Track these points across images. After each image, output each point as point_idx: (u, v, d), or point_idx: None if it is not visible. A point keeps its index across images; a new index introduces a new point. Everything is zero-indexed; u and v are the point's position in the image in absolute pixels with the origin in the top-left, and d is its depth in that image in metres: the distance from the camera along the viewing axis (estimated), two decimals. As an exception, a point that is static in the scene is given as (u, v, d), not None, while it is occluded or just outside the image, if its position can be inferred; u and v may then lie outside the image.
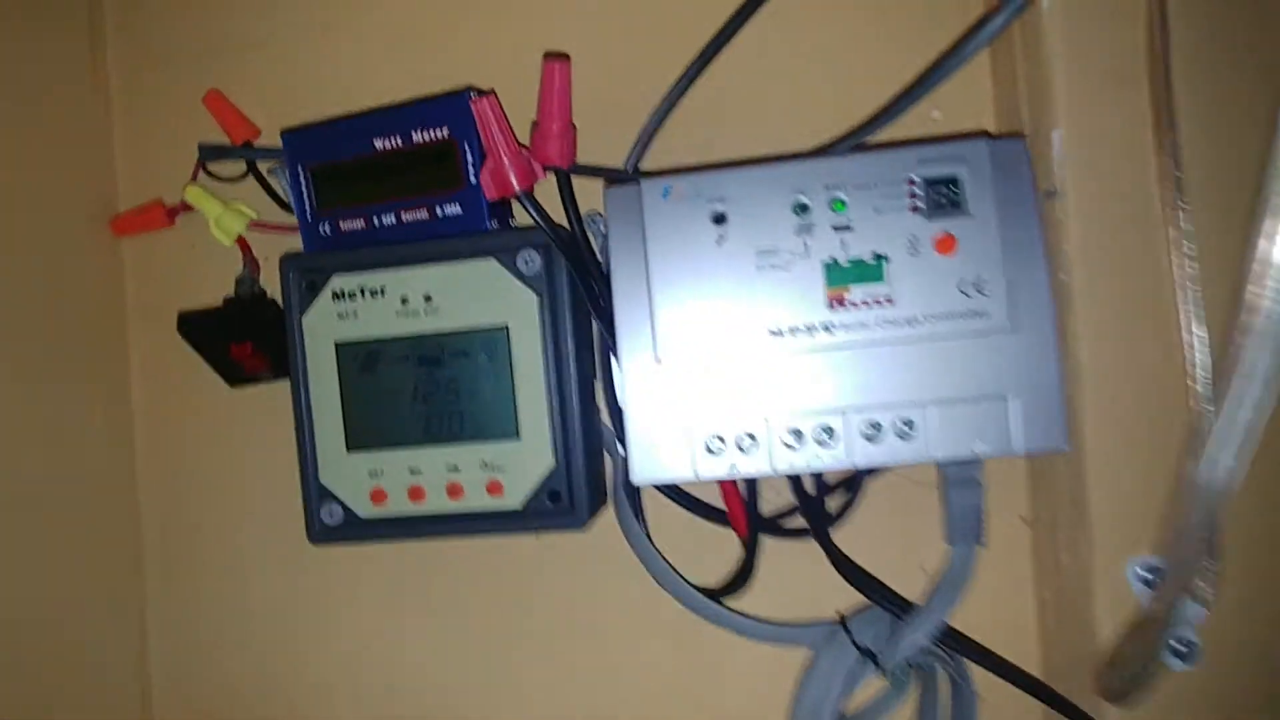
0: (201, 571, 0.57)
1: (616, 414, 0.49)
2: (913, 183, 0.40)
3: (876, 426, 0.40)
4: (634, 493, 0.48)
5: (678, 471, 0.41)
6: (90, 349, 0.54)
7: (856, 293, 0.40)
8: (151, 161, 0.56)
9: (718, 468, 0.41)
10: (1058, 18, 0.43)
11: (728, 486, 0.45)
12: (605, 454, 0.50)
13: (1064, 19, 0.43)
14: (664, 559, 0.47)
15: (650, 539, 0.47)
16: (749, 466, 0.41)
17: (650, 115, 0.46)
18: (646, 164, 0.48)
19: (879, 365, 0.40)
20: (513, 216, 0.50)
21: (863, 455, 0.40)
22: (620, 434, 0.49)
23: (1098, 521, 0.42)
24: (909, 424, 0.40)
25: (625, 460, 0.47)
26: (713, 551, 0.50)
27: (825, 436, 0.40)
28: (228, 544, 0.56)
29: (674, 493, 0.49)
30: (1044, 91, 0.43)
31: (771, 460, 0.40)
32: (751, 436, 0.40)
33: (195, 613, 0.57)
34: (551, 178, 0.45)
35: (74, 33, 0.55)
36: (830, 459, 0.40)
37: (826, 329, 0.40)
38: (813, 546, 0.47)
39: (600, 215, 0.49)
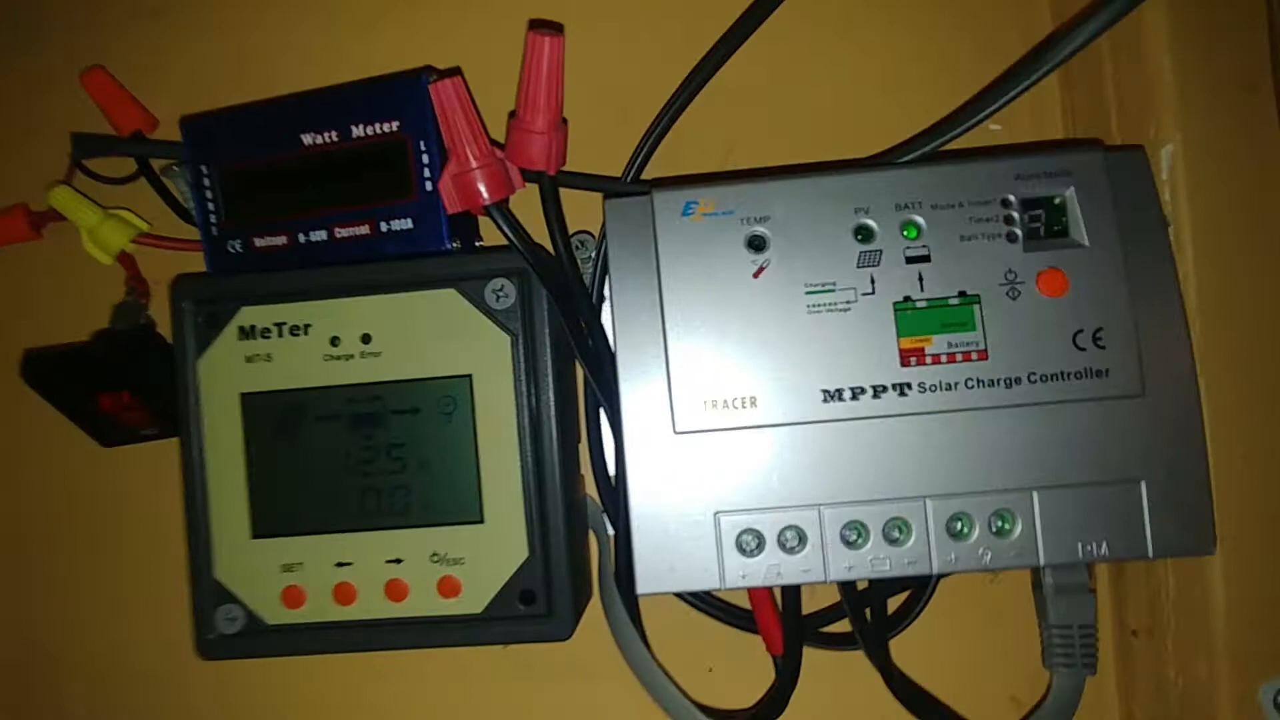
0: (51, 692, 0.43)
1: (605, 483, 0.39)
2: (1007, 203, 0.31)
3: (964, 520, 0.30)
4: (630, 586, 0.37)
5: (699, 578, 0.31)
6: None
7: (938, 344, 0.30)
8: (14, 155, 0.44)
9: (753, 574, 0.31)
10: (1164, 13, 0.35)
11: (757, 592, 0.35)
12: (590, 532, 0.40)
13: (1171, 14, 0.35)
14: (666, 675, 0.36)
15: (649, 647, 0.37)
16: (795, 573, 0.30)
17: (661, 112, 0.36)
18: (649, 174, 0.38)
19: (968, 439, 0.30)
20: (479, 236, 0.39)
21: (946, 559, 0.30)
22: (612, 509, 0.38)
23: (1225, 634, 0.33)
24: (1007, 517, 0.30)
25: (618, 541, 0.37)
26: (729, 656, 0.40)
27: (897, 533, 0.30)
28: (89, 657, 0.43)
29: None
30: (1147, 99, 0.35)
31: (825, 565, 0.30)
32: (799, 533, 0.30)
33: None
34: (532, 188, 0.35)
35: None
36: (903, 563, 0.30)
37: (899, 391, 0.30)
38: (861, 658, 0.37)
39: (590, 236, 0.39)
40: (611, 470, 0.39)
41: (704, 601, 0.39)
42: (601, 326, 0.37)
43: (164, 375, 0.37)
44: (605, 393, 0.36)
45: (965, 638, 0.38)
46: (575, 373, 0.39)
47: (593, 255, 0.38)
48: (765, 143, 0.39)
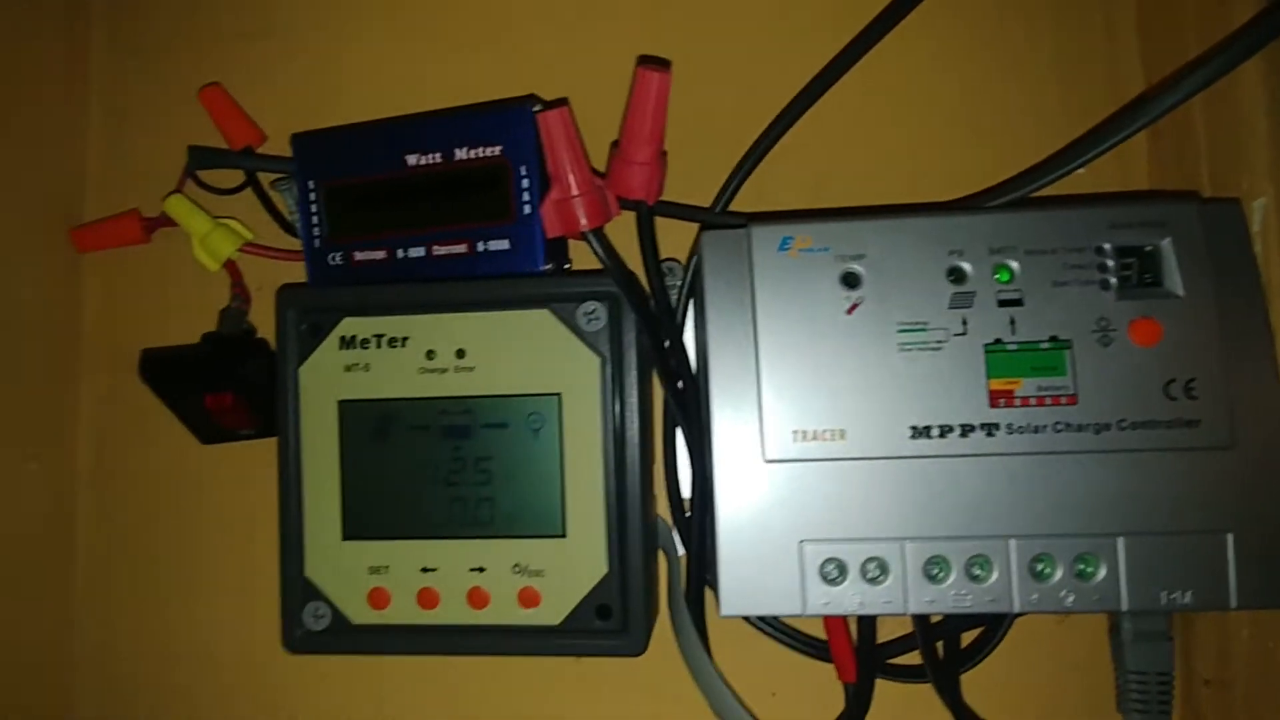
0: (146, 680, 0.45)
1: (678, 503, 0.40)
2: (1101, 251, 0.31)
3: (1047, 562, 0.31)
4: (699, 609, 0.38)
5: (781, 603, 0.32)
6: (28, 390, 0.44)
7: (1028, 386, 0.31)
8: (130, 163, 0.47)
9: (835, 603, 0.31)
10: (1259, 68, 0.35)
11: (834, 620, 0.35)
12: (660, 551, 0.40)
13: (1267, 68, 0.35)
14: (735, 695, 0.37)
15: (718, 670, 0.37)
16: (877, 604, 0.31)
17: (755, 144, 0.37)
18: (738, 205, 0.39)
19: (1054, 482, 0.31)
20: (569, 260, 0.41)
21: (1028, 598, 0.31)
22: (684, 530, 0.39)
23: (1303, 691, 0.33)
24: (1090, 561, 0.30)
25: (690, 561, 0.38)
26: (793, 682, 0.40)
27: (979, 570, 0.31)
28: (182, 647, 0.45)
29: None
30: (1240, 152, 0.35)
31: (906, 597, 0.31)
32: (881, 564, 0.31)
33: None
34: (624, 217, 0.37)
35: (49, 5, 0.46)
36: (985, 600, 0.31)
37: (987, 431, 0.31)
38: (927, 692, 0.37)
39: (677, 263, 0.40)
40: (685, 492, 0.40)
41: (772, 626, 0.39)
42: (685, 352, 0.38)
43: (266, 379, 0.39)
44: (685, 416, 0.37)
45: (1035, 678, 0.38)
46: (653, 395, 0.41)
47: (679, 283, 0.39)
48: (854, 180, 0.40)
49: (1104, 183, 0.41)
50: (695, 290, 0.37)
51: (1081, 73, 0.41)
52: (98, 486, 0.46)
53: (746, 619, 0.39)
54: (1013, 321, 0.31)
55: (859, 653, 0.35)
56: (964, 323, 0.31)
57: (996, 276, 0.31)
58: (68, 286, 0.46)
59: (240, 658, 0.44)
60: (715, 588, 0.37)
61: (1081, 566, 0.30)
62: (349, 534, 0.38)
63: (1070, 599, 0.30)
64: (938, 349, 0.31)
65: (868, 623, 0.34)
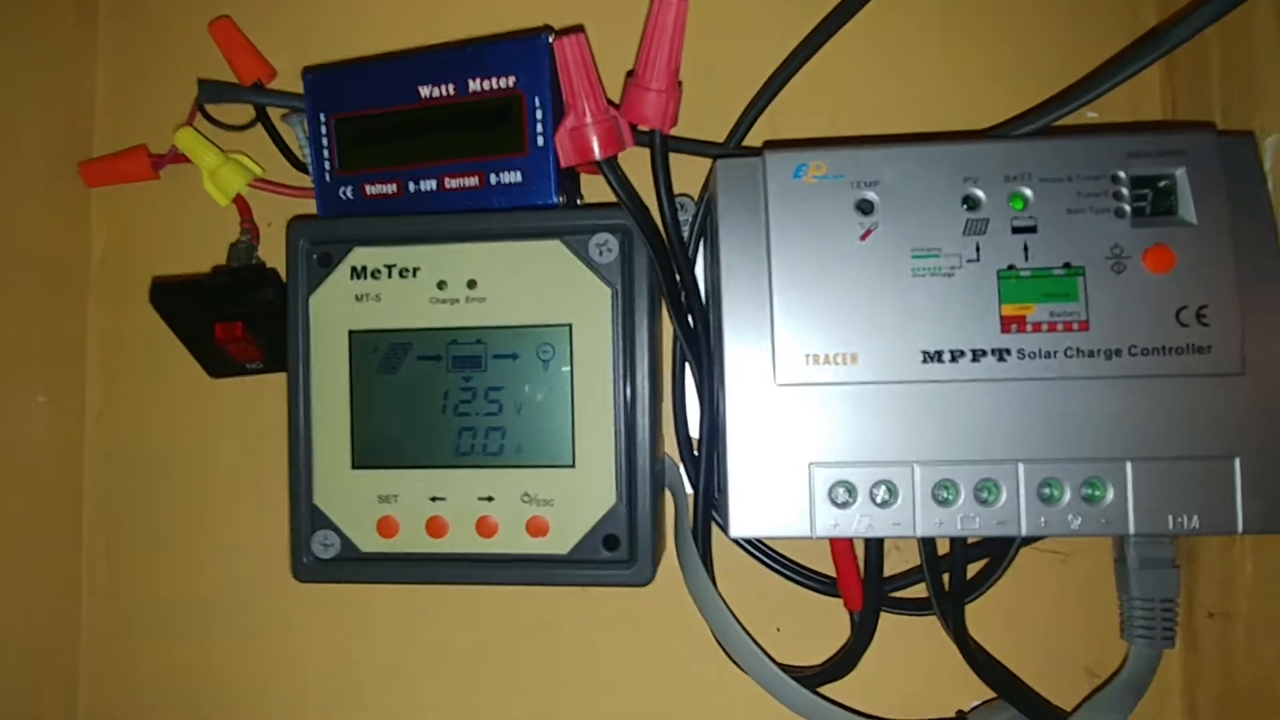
0: (154, 608, 0.45)
1: (686, 442, 0.40)
2: (1117, 179, 0.31)
3: (1055, 486, 0.31)
4: (706, 543, 0.39)
5: (790, 525, 0.32)
6: (36, 324, 0.44)
7: (1040, 312, 0.31)
8: (138, 98, 0.46)
9: (843, 524, 0.31)
10: (1275, 5, 0.35)
11: (841, 546, 0.36)
12: (666, 490, 0.41)
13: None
14: (743, 628, 0.37)
15: (725, 602, 0.38)
16: (885, 526, 0.31)
17: (768, 81, 0.37)
18: (750, 143, 0.39)
19: (1064, 407, 0.31)
20: (581, 195, 0.41)
21: (1036, 522, 0.31)
22: (692, 468, 0.39)
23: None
24: (1098, 485, 0.31)
25: (695, 500, 0.38)
26: (798, 617, 0.41)
27: (987, 494, 0.31)
28: (191, 575, 0.45)
29: (756, 545, 0.40)
30: (1253, 90, 0.35)
31: (915, 519, 0.31)
32: (890, 488, 0.31)
33: (141, 658, 0.46)
34: (634, 157, 0.36)
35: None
36: (993, 523, 0.31)
37: (999, 356, 0.31)
38: (930, 625, 0.38)
39: (689, 199, 0.40)
40: (693, 430, 0.40)
41: (777, 560, 0.40)
42: (696, 286, 0.38)
43: (276, 309, 0.39)
44: (694, 351, 0.38)
45: (1039, 609, 0.39)
46: (661, 333, 0.41)
47: (690, 218, 0.39)
48: (868, 117, 0.40)
49: (1116, 118, 0.41)
50: (708, 222, 0.37)
51: (1096, 4, 0.41)
52: (105, 421, 0.46)
53: (752, 552, 0.40)
54: (1026, 248, 0.31)
55: (866, 579, 0.35)
56: (977, 249, 0.31)
57: (1011, 204, 0.31)
58: (76, 222, 0.46)
59: (248, 590, 0.44)
60: (723, 519, 0.38)
61: (1089, 490, 0.31)
62: (359, 463, 0.38)
63: (1077, 522, 0.31)
64: (950, 275, 0.31)
65: (875, 548, 0.35)
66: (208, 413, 0.45)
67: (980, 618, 0.37)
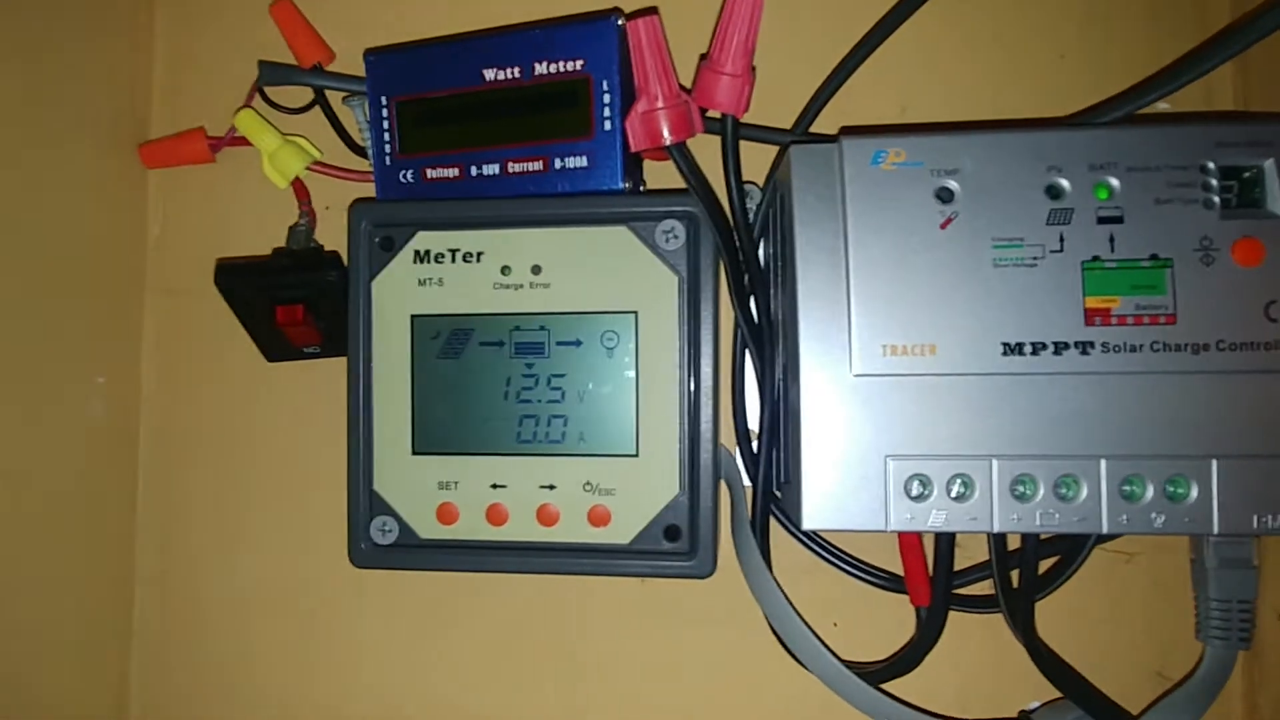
0: (205, 598, 0.45)
1: (744, 433, 0.40)
2: (1206, 169, 0.31)
3: (1137, 483, 0.30)
4: (765, 536, 0.38)
5: (864, 518, 0.31)
6: (93, 308, 0.43)
7: (1126, 305, 0.30)
8: (197, 80, 0.46)
9: (918, 518, 0.31)
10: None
11: (910, 540, 0.35)
12: (723, 481, 0.40)
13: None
14: (803, 620, 0.37)
15: (785, 594, 0.37)
16: (961, 520, 0.31)
17: (837, 68, 0.37)
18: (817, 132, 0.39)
19: (1149, 402, 0.30)
20: (644, 181, 0.40)
21: (1117, 520, 0.30)
22: (751, 459, 0.39)
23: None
24: (1181, 483, 0.30)
25: (755, 493, 0.38)
26: (856, 612, 0.40)
27: (1066, 490, 0.30)
28: (242, 563, 0.45)
29: (815, 539, 0.39)
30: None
31: (993, 514, 0.31)
32: (967, 481, 0.31)
33: (196, 648, 0.45)
34: (700, 145, 0.36)
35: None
36: (1073, 520, 0.30)
37: (1082, 349, 0.30)
38: (994, 623, 0.37)
39: (755, 186, 0.40)
40: (751, 422, 0.40)
41: (838, 555, 0.39)
42: (763, 274, 0.37)
43: (337, 292, 0.39)
44: (756, 340, 0.37)
45: (1103, 608, 0.38)
46: (722, 318, 0.40)
47: (757, 206, 0.38)
48: (940, 106, 0.40)
49: (1190, 108, 0.40)
50: (777, 210, 0.37)
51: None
52: (161, 405, 0.46)
53: (813, 546, 0.39)
54: (1112, 239, 0.31)
55: (935, 575, 0.35)
56: (1061, 239, 0.31)
57: (1096, 193, 0.31)
58: (134, 204, 0.46)
59: (300, 579, 0.44)
60: (787, 509, 0.37)
61: (1173, 488, 0.30)
62: (419, 449, 0.38)
63: (1160, 520, 0.30)
64: (1033, 265, 0.31)
65: (946, 543, 0.34)
66: (262, 398, 0.45)
67: (1040, 616, 0.36)
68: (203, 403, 0.46)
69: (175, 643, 0.45)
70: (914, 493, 0.31)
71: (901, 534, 0.35)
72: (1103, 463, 0.30)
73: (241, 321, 0.41)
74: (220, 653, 0.45)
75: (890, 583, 0.39)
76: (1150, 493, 0.30)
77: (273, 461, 0.45)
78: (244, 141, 0.43)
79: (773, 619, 0.37)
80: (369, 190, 0.40)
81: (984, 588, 0.38)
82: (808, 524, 0.31)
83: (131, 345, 0.46)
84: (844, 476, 0.31)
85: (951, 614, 0.37)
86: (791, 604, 0.37)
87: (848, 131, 0.33)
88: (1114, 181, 0.31)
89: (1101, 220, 0.31)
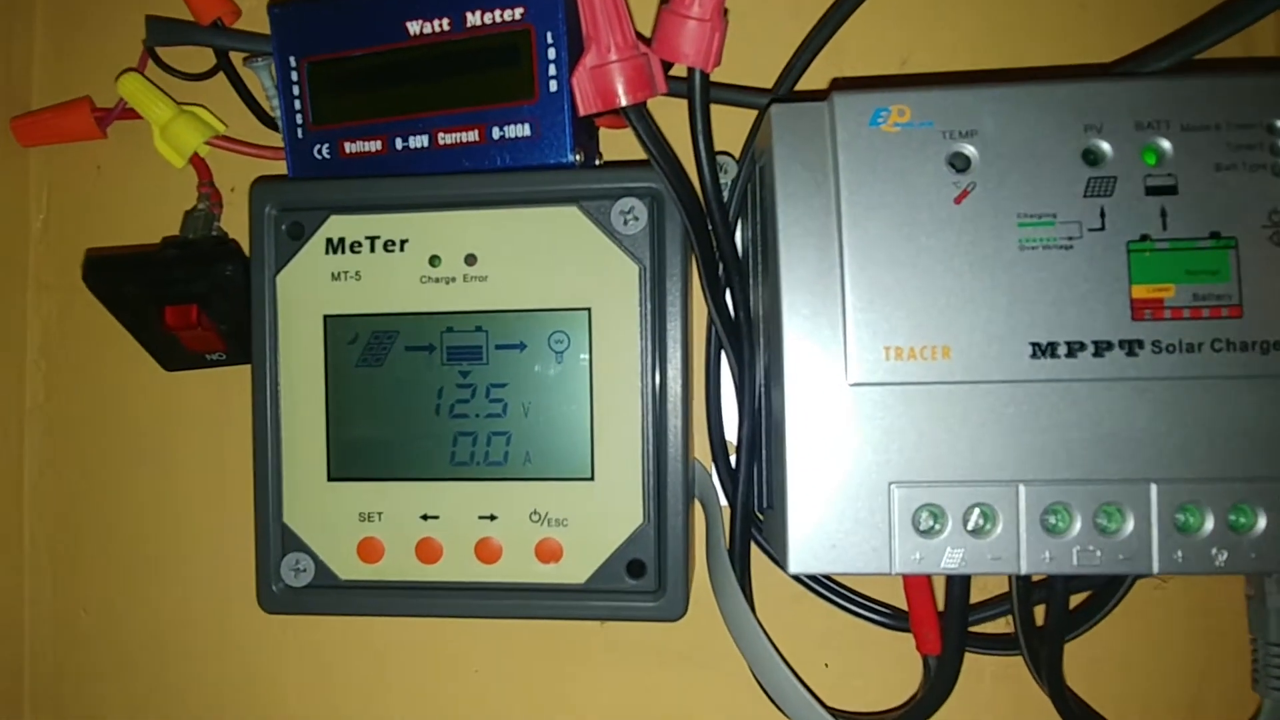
0: (106, 642, 0.40)
1: (720, 445, 0.34)
2: (1273, 129, 0.25)
3: (1193, 512, 0.25)
4: (745, 565, 0.33)
5: (862, 560, 0.26)
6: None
7: (1181, 294, 0.25)
8: (80, 44, 0.40)
9: (929, 557, 0.25)
10: None
11: (917, 580, 0.30)
12: (697, 502, 0.35)
13: None
14: (787, 665, 0.31)
15: (768, 636, 0.32)
16: (982, 561, 0.25)
17: (823, 17, 0.31)
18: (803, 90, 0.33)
19: (1209, 414, 0.25)
20: (600, 155, 0.35)
21: (1170, 557, 0.25)
22: (728, 476, 0.33)
23: None
24: (1246, 511, 0.25)
25: (733, 514, 0.32)
26: (850, 652, 0.35)
27: (1108, 522, 0.25)
28: (147, 593, 0.39)
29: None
30: None
31: (1020, 553, 0.25)
32: (987, 513, 0.25)
33: (92, 684, 0.40)
34: (666, 110, 0.30)
35: None
36: (1116, 558, 0.25)
37: (1128, 350, 0.25)
38: (1012, 666, 0.32)
39: (730, 158, 0.34)
40: (729, 433, 0.34)
41: (829, 588, 0.34)
42: (739, 260, 0.32)
43: (238, 289, 0.33)
44: (734, 339, 0.32)
45: (1129, 644, 0.33)
46: (692, 316, 0.35)
47: (732, 180, 0.33)
48: (949, 54, 0.34)
49: (1228, 55, 0.35)
50: (756, 185, 0.31)
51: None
52: (47, 421, 0.40)
53: (806, 582, 0.34)
54: (1164, 213, 0.25)
55: (947, 620, 0.29)
56: (1102, 215, 0.25)
57: (1143, 158, 0.25)
58: (12, 188, 0.40)
59: (212, 617, 0.39)
60: (771, 542, 0.32)
61: (1235, 517, 0.25)
62: (336, 474, 0.32)
63: (1223, 558, 0.25)
64: (1068, 247, 0.25)
65: (960, 588, 0.29)
66: (166, 409, 0.39)
67: (1068, 657, 0.31)
68: (99, 417, 0.40)
69: (72, 681, 0.40)
70: (924, 527, 0.26)
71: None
72: (1153, 488, 0.25)
73: (125, 326, 0.35)
74: (123, 693, 0.39)
75: (892, 620, 0.33)
76: (1210, 524, 0.25)
77: (180, 484, 0.39)
78: (138, 114, 0.37)
79: (753, 663, 0.32)
80: (283, 168, 0.35)
81: (1002, 625, 0.33)
82: (794, 567, 0.26)
83: (14, 351, 0.40)
84: (838, 508, 0.26)
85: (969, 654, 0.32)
86: (774, 646, 0.31)
87: (840, 86, 0.27)
88: (1165, 144, 0.25)
89: (1151, 191, 0.25)
